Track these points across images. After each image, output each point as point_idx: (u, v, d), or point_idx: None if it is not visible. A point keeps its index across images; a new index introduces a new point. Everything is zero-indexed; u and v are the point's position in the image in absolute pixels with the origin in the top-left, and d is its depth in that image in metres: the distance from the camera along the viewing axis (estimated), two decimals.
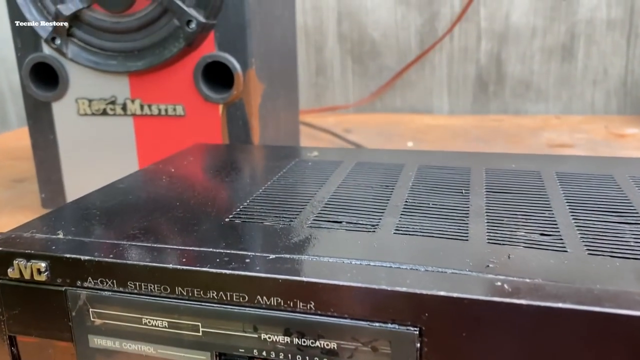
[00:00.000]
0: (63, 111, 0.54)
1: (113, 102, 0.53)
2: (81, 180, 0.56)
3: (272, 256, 0.25)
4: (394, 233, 0.28)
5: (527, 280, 0.22)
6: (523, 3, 0.95)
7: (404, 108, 1.06)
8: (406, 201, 0.32)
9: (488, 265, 0.23)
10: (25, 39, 0.52)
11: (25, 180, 0.72)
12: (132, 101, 0.53)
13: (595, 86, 0.97)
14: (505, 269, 0.23)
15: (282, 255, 0.25)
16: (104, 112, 0.53)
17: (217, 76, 0.52)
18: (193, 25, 0.48)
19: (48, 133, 0.55)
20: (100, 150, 0.55)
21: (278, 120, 0.59)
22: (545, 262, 0.24)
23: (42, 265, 0.25)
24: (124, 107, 0.53)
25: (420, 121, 0.98)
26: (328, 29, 1.04)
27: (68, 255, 0.25)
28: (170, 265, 0.24)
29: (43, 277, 0.25)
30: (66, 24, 0.50)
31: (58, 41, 0.51)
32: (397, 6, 1.01)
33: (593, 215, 0.30)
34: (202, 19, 0.48)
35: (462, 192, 0.34)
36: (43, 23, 0.51)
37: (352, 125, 0.98)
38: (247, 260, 0.24)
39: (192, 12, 0.48)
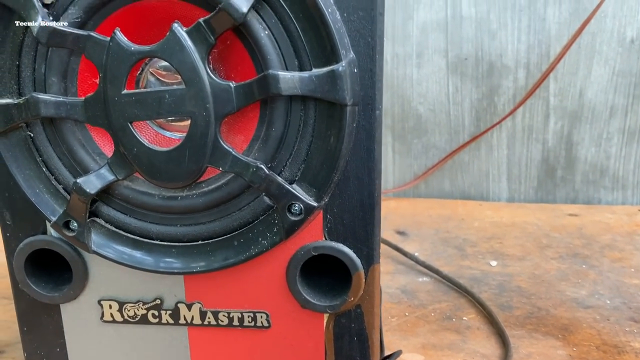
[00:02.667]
0: (78, 316, 0.36)
1: (158, 307, 0.35)
2: None
3: None
4: None
5: None
6: (601, 78, 0.81)
7: (453, 193, 0.91)
8: None
9: None
10: (18, 212, 0.34)
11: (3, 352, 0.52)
12: (188, 306, 0.35)
13: None
14: None
15: None
16: (143, 320, 0.35)
17: (317, 268, 0.35)
18: (297, 209, 0.31)
19: (53, 346, 0.36)
20: None
21: None
22: None
23: None
24: (175, 314, 0.35)
25: (482, 215, 0.83)
26: None
27: None
28: None
29: None
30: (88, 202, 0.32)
31: (74, 225, 0.32)
32: (449, 77, 0.85)
33: None
34: (312, 202, 0.30)
35: None
36: (51, 201, 0.32)
37: (399, 220, 0.81)
38: None
39: (298, 191, 0.30)
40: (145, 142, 0.30)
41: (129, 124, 0.30)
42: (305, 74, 0.28)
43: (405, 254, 0.69)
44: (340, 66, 0.28)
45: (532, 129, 0.85)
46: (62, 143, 0.32)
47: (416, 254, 0.69)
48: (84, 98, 0.30)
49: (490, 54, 0.83)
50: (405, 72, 0.86)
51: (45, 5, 0.29)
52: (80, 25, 0.29)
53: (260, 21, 0.28)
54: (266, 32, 0.28)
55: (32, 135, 0.32)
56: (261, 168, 0.29)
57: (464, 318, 0.56)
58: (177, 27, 0.28)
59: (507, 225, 0.79)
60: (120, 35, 0.29)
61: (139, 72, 0.32)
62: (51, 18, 0.29)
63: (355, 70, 0.29)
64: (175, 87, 0.29)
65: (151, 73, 0.32)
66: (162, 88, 0.29)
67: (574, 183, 0.87)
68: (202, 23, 0.28)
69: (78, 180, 0.31)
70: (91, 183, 0.31)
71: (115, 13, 0.30)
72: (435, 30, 0.84)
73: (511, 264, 0.68)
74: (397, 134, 0.89)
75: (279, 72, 0.28)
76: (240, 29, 0.28)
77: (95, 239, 0.33)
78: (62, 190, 0.32)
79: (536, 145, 0.86)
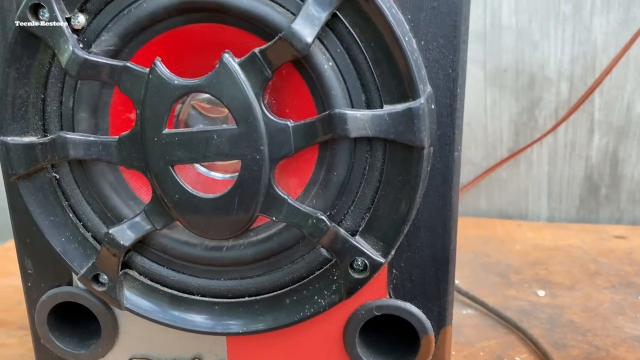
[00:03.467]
0: None
1: None
2: None
3: None
4: None
5: None
6: None
7: (490, 212, 0.86)
8: None
9: None
10: (41, 261, 0.30)
11: None
12: None
13: None
14: None
15: None
16: None
17: (377, 324, 0.30)
18: (361, 264, 0.26)
19: None
20: None
21: None
22: None
23: None
24: None
25: (522, 237, 0.78)
26: None
27: None
28: None
29: None
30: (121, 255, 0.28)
31: (105, 279, 0.28)
32: (487, 89, 0.81)
33: None
34: (379, 257, 0.26)
35: None
36: (78, 251, 0.28)
37: None
38: None
39: (363, 245, 0.26)
40: (189, 188, 0.26)
41: (170, 168, 0.26)
42: (378, 112, 0.24)
43: None
44: (419, 103, 0.24)
45: (574, 144, 0.81)
46: (91, 186, 0.28)
47: (457, 281, 0.65)
48: (117, 137, 0.26)
49: (531, 65, 0.79)
50: None
51: (74, 32, 0.25)
52: (115, 54, 0.26)
53: (323, 51, 0.24)
54: (330, 64, 0.24)
55: (57, 177, 0.28)
56: (322, 220, 0.25)
57: (516, 358, 0.52)
58: (228, 57, 0.24)
59: (551, 248, 0.74)
60: (161, 67, 0.25)
61: (179, 105, 0.28)
62: (81, 45, 0.25)
63: (433, 107, 0.25)
64: (225, 126, 0.25)
65: (193, 106, 0.28)
66: (210, 128, 0.25)
67: (619, 202, 0.82)
68: (258, 54, 0.24)
69: (110, 231, 0.27)
70: (125, 234, 0.27)
71: (155, 39, 0.26)
72: (473, 40, 0.80)
73: (560, 293, 0.63)
74: None
75: (347, 111, 0.24)
76: (300, 60, 0.24)
77: (129, 296, 0.29)
78: (90, 239, 0.28)
79: (579, 162, 0.81)
